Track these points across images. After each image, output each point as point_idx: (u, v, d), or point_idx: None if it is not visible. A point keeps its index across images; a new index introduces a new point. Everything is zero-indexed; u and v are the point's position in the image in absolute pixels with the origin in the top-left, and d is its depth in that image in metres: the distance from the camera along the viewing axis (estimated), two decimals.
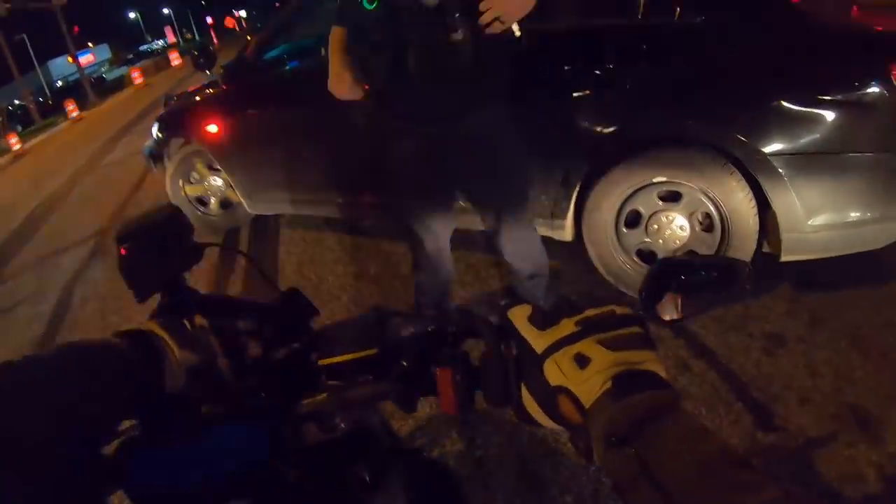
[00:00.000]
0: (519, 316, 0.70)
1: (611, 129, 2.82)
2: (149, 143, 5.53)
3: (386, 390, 0.78)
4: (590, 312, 0.67)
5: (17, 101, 43.72)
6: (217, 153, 4.55)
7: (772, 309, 2.85)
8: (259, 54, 4.39)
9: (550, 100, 2.92)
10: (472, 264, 3.66)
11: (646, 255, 2.96)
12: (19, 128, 29.80)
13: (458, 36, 1.91)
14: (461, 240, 3.30)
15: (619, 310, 0.67)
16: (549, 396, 0.64)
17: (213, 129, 4.49)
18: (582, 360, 0.62)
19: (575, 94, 2.85)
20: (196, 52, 5.15)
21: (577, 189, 3.00)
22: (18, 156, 22.15)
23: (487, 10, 1.92)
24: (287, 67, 4.43)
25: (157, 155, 5.38)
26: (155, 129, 5.28)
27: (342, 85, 2.22)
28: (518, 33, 1.97)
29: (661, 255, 2.90)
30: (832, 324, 2.71)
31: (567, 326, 0.66)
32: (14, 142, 23.53)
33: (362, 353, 0.81)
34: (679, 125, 2.71)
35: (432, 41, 1.97)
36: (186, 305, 0.89)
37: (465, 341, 0.78)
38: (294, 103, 4.01)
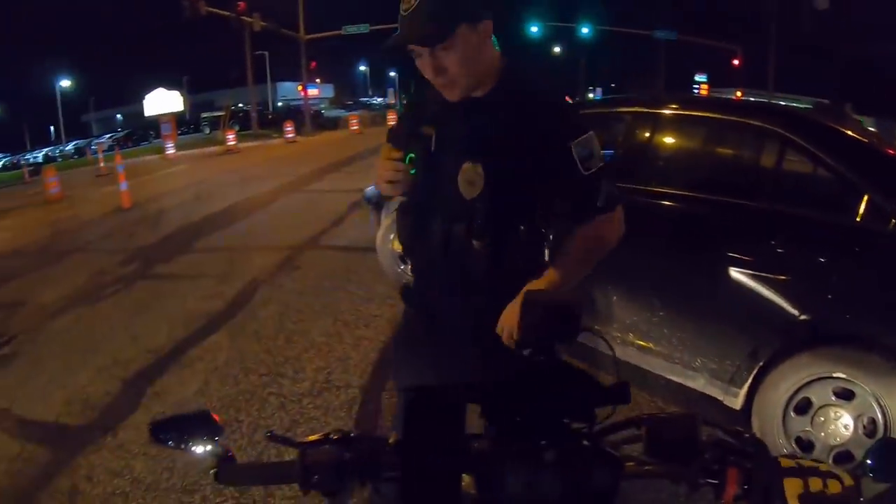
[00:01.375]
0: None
1: (807, 317, 2.95)
2: (372, 189, 6.08)
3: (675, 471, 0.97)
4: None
5: (241, 105, 48.33)
6: None
7: None
8: None
9: (758, 272, 3.09)
10: None
11: (804, 444, 2.95)
12: (237, 127, 32.91)
13: (479, 244, 1.67)
14: None
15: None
16: None
17: None
18: None
19: (781, 276, 3.03)
20: None
21: (762, 364, 3.08)
22: (230, 151, 24.69)
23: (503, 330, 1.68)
24: None
25: (377, 203, 5.91)
26: None
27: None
28: None
29: (818, 448, 2.90)
30: None
31: None
32: (231, 138, 26.23)
33: None
34: (870, 328, 2.82)
35: (453, 236, 1.70)
36: None
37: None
38: None
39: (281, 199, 12.03)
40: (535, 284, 1.63)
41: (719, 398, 3.25)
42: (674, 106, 3.93)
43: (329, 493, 0.99)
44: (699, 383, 3.36)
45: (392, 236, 5.33)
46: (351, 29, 37.49)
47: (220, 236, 8.99)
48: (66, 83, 61.67)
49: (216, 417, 1.11)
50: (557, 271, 1.69)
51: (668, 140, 4.00)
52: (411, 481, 0.94)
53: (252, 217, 10.21)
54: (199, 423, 1.10)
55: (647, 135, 3.85)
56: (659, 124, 3.87)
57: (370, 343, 4.61)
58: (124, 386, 4.38)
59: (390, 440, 1.01)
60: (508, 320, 1.65)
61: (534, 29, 36.99)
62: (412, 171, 1.70)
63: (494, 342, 1.67)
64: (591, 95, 56.10)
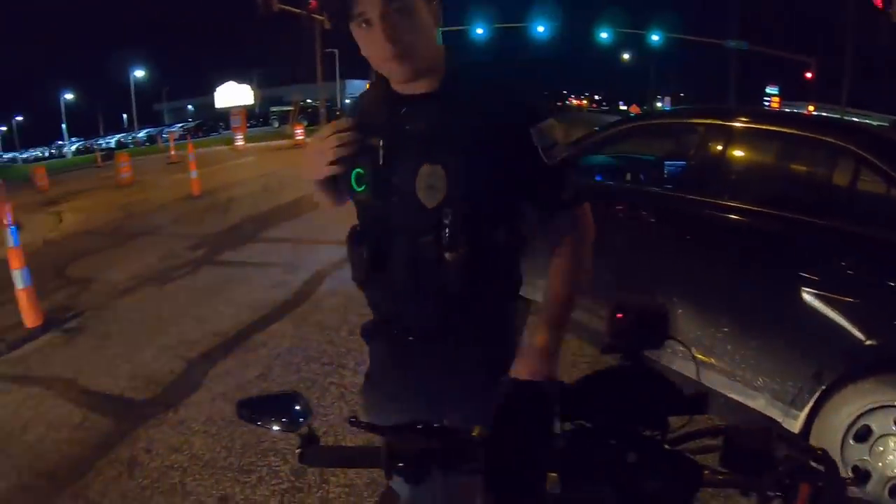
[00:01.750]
0: None
1: (873, 342, 2.82)
2: None
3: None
4: None
5: (309, 101, 49.21)
6: None
7: None
8: (579, 157, 4.64)
9: (826, 292, 2.97)
10: None
11: (860, 473, 2.82)
12: (306, 122, 33.53)
13: (452, 256, 1.46)
14: None
15: None
16: None
17: None
18: None
19: (850, 298, 2.90)
20: None
21: (824, 388, 2.95)
22: (298, 145, 25.13)
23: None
24: (597, 178, 4.66)
25: None
26: None
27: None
28: None
29: (875, 479, 2.77)
30: None
31: None
32: (299, 133, 26.78)
33: None
34: None
35: (421, 251, 1.49)
36: None
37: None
38: (597, 217, 4.17)
39: None
40: (546, 303, 1.47)
41: (779, 420, 3.12)
42: (747, 119, 3.82)
43: (411, 480, 1.01)
44: (759, 403, 3.24)
45: None
46: None
47: (286, 227, 9.09)
48: (140, 73, 63.82)
49: (306, 400, 1.14)
50: (561, 284, 1.51)
51: (741, 153, 3.89)
52: (498, 475, 0.96)
53: (319, 211, 10.28)
54: (288, 404, 1.14)
55: (720, 147, 3.77)
56: (732, 137, 3.77)
57: None
58: (188, 365, 4.44)
59: (474, 433, 1.01)
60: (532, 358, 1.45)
61: (603, 35, 36.49)
62: (360, 189, 1.51)
63: (476, 362, 1.53)
64: (659, 105, 55.17)
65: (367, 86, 1.59)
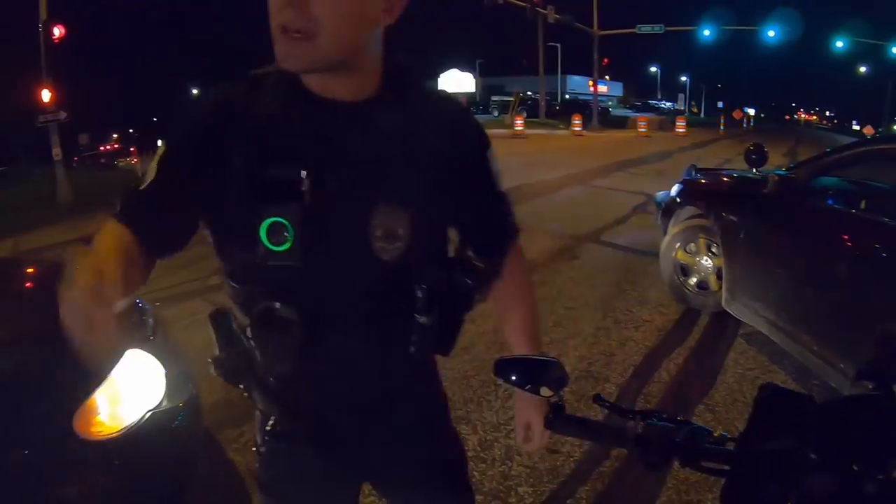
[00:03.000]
0: None
1: None
2: (664, 195, 6.03)
3: None
4: None
5: (529, 93, 49.61)
6: (727, 242, 4.74)
7: None
8: (812, 177, 4.45)
9: None
10: None
11: None
12: (525, 114, 33.94)
13: (427, 321, 1.22)
14: None
15: None
16: None
17: (734, 219, 4.70)
18: None
19: None
20: (751, 147, 5.34)
21: None
22: (517, 135, 25.67)
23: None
24: (828, 202, 4.42)
25: (666, 209, 5.82)
26: (675, 189, 5.71)
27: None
28: None
29: None
30: None
31: None
32: (519, 123, 27.31)
33: None
34: None
35: (389, 325, 1.20)
36: None
37: None
38: (827, 243, 4.00)
39: (565, 188, 12.29)
40: (521, 327, 1.46)
41: None
42: None
43: (650, 465, 1.04)
44: None
45: (678, 245, 5.25)
46: (645, 28, 36.78)
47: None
48: None
49: (564, 369, 1.19)
50: (523, 319, 1.47)
51: None
52: (742, 477, 0.96)
53: (536, 201, 10.53)
54: (546, 370, 1.18)
55: None
56: None
57: (636, 346, 4.58)
58: None
59: (716, 433, 1.03)
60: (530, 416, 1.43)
61: (839, 44, 33.18)
62: (280, 248, 1.06)
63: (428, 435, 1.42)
64: None
65: (254, 74, 1.13)
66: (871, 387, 1.06)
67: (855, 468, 0.91)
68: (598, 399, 1.18)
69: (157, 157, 1.10)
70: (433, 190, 1.15)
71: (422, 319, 1.20)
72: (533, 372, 1.19)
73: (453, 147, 1.19)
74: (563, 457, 3.12)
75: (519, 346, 1.44)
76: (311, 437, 1.27)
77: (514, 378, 1.19)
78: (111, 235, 1.02)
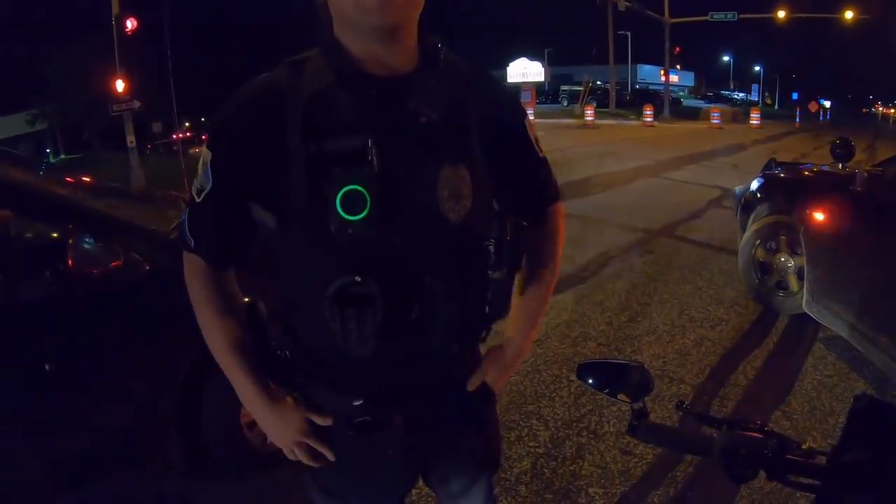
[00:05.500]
0: None
1: None
2: (743, 189, 5.85)
3: None
4: None
5: (599, 82, 48.89)
6: (811, 241, 4.56)
7: None
8: None
9: None
10: None
11: None
12: (595, 104, 33.53)
13: (498, 275, 1.25)
14: None
15: None
16: None
17: (820, 217, 4.52)
18: None
19: None
20: (837, 141, 5.11)
21: None
22: (587, 125, 25.47)
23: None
24: None
25: (745, 205, 5.64)
26: (756, 184, 5.52)
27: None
28: None
29: None
30: None
31: None
32: (589, 113, 27.06)
33: None
34: None
35: (464, 283, 1.21)
36: None
37: None
38: None
39: (638, 180, 12.10)
40: (530, 299, 1.41)
41: None
42: None
43: (735, 477, 1.02)
44: None
45: (757, 242, 5.08)
46: (718, 16, 35.82)
47: (575, 204, 9.29)
48: None
49: (650, 375, 1.16)
50: (541, 286, 1.42)
51: None
52: (834, 493, 0.94)
53: (608, 192, 10.41)
54: (631, 374, 1.16)
55: None
56: None
57: (712, 345, 4.46)
58: None
59: (804, 445, 1.00)
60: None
61: None
62: (357, 217, 1.06)
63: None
64: None
65: (290, 60, 1.17)
66: None
67: None
68: (680, 406, 1.17)
69: (205, 163, 1.14)
70: (481, 151, 1.19)
71: (495, 275, 1.24)
72: (611, 376, 1.19)
73: (494, 111, 1.24)
74: (637, 458, 3.08)
75: (512, 317, 1.42)
76: (393, 423, 1.25)
77: (591, 381, 1.20)
78: (201, 291, 1.23)
